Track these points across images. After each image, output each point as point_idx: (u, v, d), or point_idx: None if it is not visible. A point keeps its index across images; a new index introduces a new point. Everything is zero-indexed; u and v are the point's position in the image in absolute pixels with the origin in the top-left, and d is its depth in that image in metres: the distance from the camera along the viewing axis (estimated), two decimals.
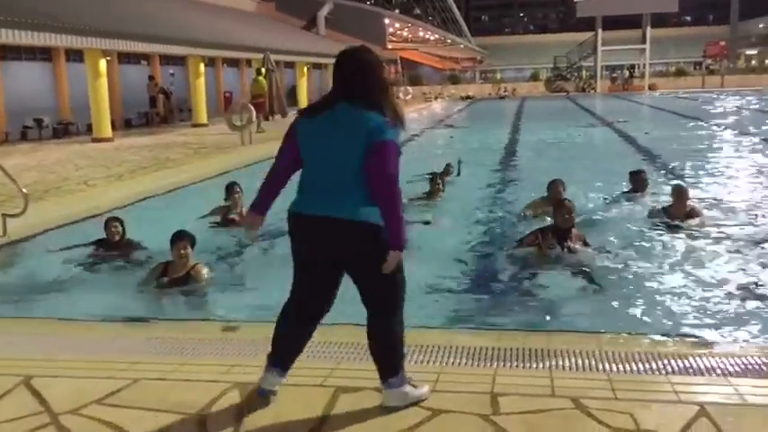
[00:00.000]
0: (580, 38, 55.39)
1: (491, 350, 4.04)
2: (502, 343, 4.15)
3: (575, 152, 15.94)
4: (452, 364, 3.88)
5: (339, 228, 3.10)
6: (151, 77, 27.15)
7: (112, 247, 6.90)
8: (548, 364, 3.83)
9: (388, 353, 3.33)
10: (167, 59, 28.48)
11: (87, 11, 20.26)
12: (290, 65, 35.69)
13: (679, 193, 7.73)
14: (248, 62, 30.64)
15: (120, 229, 6.93)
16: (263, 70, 23.10)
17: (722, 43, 56.48)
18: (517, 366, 3.83)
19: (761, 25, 72.15)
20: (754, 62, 71.52)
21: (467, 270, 6.24)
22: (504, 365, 3.84)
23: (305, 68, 35.59)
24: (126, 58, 25.74)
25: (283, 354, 3.41)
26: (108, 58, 20.52)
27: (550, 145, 17.47)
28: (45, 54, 22.67)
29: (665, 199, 8.33)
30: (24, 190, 7.77)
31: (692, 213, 7.63)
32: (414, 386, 3.36)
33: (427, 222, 7.82)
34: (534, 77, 59.88)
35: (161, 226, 7.06)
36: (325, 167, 3.14)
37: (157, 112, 26.93)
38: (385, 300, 3.28)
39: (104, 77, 19.68)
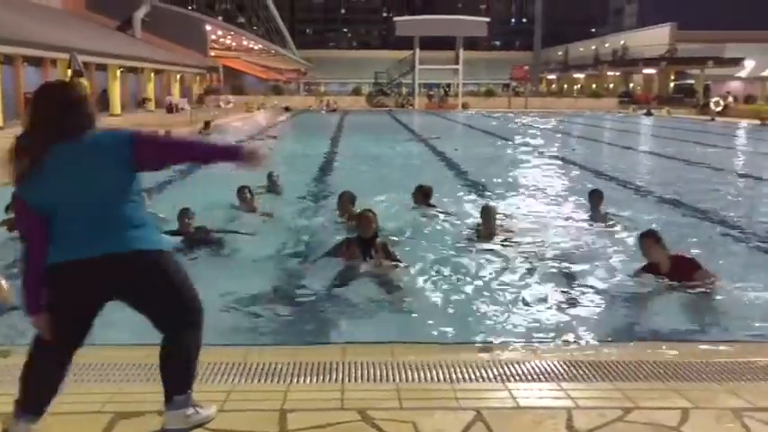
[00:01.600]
0: (400, 55, 57.46)
1: (286, 365, 4.00)
2: (298, 358, 4.13)
3: (390, 166, 16.46)
4: (245, 381, 3.80)
5: (124, 262, 2.95)
6: None
7: None
8: (341, 376, 3.86)
9: (181, 370, 3.18)
10: None
11: None
12: (103, 67, 33.63)
13: (487, 212, 8.18)
14: (53, 62, 28.44)
15: None
16: (69, 72, 21.66)
17: (526, 68, 61.20)
18: (310, 381, 3.82)
19: (559, 53, 79.13)
20: (554, 86, 78.24)
21: (271, 283, 6.16)
22: (297, 381, 3.81)
23: (117, 72, 33.74)
24: None
25: (38, 397, 3.04)
26: None
27: (369, 158, 17.91)
28: None
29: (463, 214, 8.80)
30: None
31: (500, 230, 8.10)
32: (198, 408, 3.23)
33: (236, 231, 7.69)
34: (356, 92, 61.20)
35: None
36: (81, 209, 2.93)
37: None
38: (184, 311, 3.15)
39: None
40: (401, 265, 6.41)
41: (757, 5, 51.07)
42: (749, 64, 53.37)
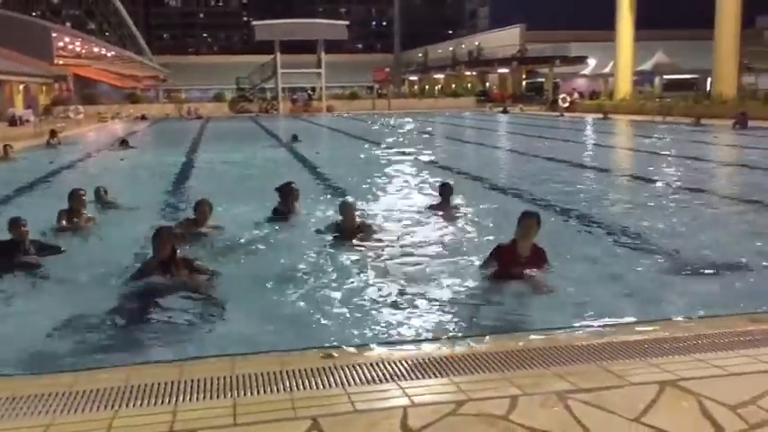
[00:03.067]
0: (263, 60, 56.70)
1: (116, 390, 3.77)
2: (130, 381, 3.91)
3: (248, 172, 16.20)
4: (68, 412, 3.54)
5: None
6: None
7: None
8: (174, 397, 3.68)
9: None
10: None
11: None
12: None
13: (346, 208, 8.16)
14: None
15: None
16: None
17: (386, 70, 62.24)
18: (141, 405, 3.62)
19: (419, 54, 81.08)
20: (416, 87, 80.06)
21: (97, 304, 5.73)
22: (126, 405, 3.60)
23: None
24: None
25: None
26: None
27: (226, 166, 17.53)
28: None
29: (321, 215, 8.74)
30: None
31: (361, 227, 8.10)
32: None
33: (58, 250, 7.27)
34: (218, 98, 59.79)
35: None
36: None
37: None
38: None
39: None
40: (210, 275, 6.27)
41: (595, 7, 54.81)
42: (592, 62, 57.07)
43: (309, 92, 58.33)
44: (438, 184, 10.11)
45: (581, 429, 3.22)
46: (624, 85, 45.05)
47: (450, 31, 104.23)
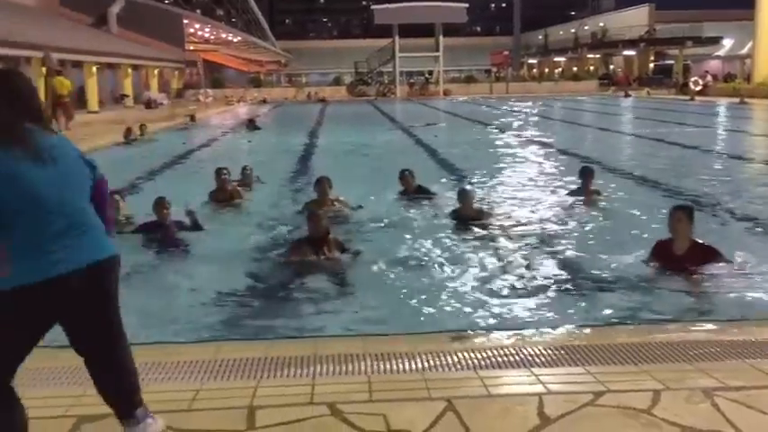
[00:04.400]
0: (381, 44, 57.14)
1: (257, 361, 3.95)
2: (269, 353, 4.08)
3: (370, 155, 16.40)
4: (214, 379, 3.75)
5: (103, 269, 2.80)
6: None
7: None
8: (311, 371, 3.81)
9: (131, 384, 3.00)
10: None
11: None
12: (78, 65, 33.25)
13: (464, 196, 8.14)
14: (27, 61, 28.05)
15: None
16: (44, 70, 21.58)
17: (505, 53, 61.04)
18: (281, 376, 3.78)
19: (539, 37, 79.05)
20: (535, 70, 78.22)
21: (240, 278, 6.06)
22: (267, 376, 3.77)
23: (93, 69, 33.36)
24: None
25: None
26: None
27: (350, 148, 17.82)
28: None
29: (443, 200, 8.76)
30: None
31: (480, 214, 8.07)
32: (153, 418, 3.05)
33: (198, 227, 7.63)
34: (337, 82, 60.87)
35: None
36: (58, 208, 2.68)
37: None
38: (119, 326, 2.97)
39: None
40: (354, 255, 6.43)
41: None
42: (727, 42, 53.63)
43: (427, 75, 58.23)
44: (580, 167, 9.80)
45: (732, 429, 3.06)
46: (764, 68, 41.97)
47: (573, 12, 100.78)
